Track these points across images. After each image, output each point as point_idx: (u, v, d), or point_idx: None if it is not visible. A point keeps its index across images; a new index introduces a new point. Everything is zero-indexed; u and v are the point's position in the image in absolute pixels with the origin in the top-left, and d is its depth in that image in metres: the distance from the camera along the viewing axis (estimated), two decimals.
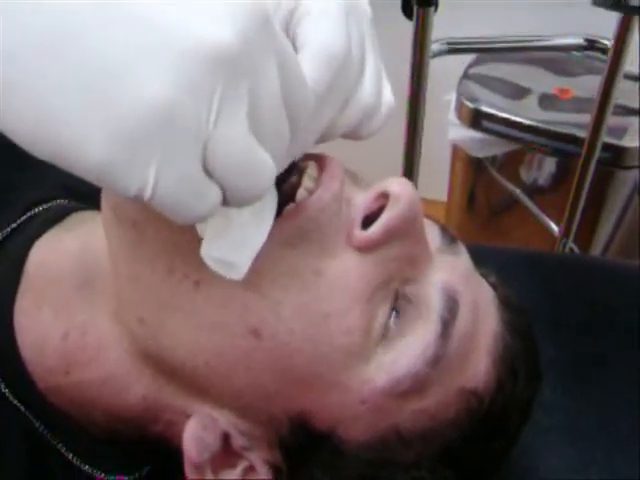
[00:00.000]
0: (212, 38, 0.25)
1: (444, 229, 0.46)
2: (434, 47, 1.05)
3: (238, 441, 0.41)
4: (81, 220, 0.48)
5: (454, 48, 1.17)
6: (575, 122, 1.31)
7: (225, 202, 0.28)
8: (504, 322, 0.45)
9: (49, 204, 0.50)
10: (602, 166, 1.18)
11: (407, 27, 0.89)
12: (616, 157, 1.29)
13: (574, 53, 1.45)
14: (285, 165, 0.32)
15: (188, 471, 0.41)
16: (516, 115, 1.36)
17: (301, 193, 0.38)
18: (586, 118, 1.10)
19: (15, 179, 0.50)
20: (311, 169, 0.39)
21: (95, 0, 0.24)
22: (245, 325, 0.37)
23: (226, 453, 0.42)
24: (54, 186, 0.51)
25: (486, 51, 1.41)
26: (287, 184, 0.37)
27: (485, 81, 1.45)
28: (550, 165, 1.45)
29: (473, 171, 1.60)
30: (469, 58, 1.50)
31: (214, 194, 0.27)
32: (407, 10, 0.87)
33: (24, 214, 0.48)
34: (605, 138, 1.09)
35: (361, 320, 0.38)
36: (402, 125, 0.98)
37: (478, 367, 0.43)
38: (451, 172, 1.66)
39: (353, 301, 0.38)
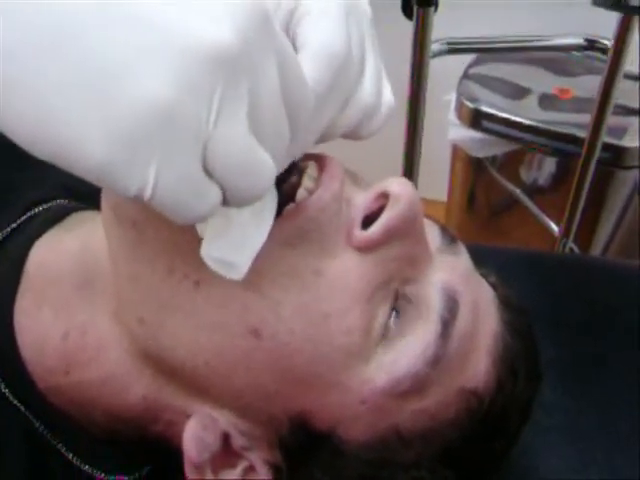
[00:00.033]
0: (212, 38, 0.25)
1: (444, 229, 0.46)
2: (434, 47, 1.05)
3: (238, 441, 0.41)
4: (81, 220, 0.48)
5: (454, 48, 1.17)
6: (575, 122, 1.31)
7: (225, 202, 0.28)
8: (504, 322, 0.45)
9: (49, 204, 0.50)
10: (602, 166, 1.18)
11: (407, 27, 0.89)
12: (616, 157, 1.29)
13: (574, 53, 1.45)
14: (285, 165, 0.32)
15: (188, 471, 0.41)
16: (516, 115, 1.36)
17: (301, 193, 0.38)
18: (586, 118, 1.10)
19: (15, 179, 0.50)
20: (311, 169, 0.39)
21: (95, 0, 0.24)
22: (245, 325, 0.37)
23: (226, 453, 0.42)
24: (54, 186, 0.51)
25: (486, 51, 1.41)
26: (287, 184, 0.37)
27: (485, 81, 1.45)
28: (550, 165, 1.45)
29: (473, 171, 1.60)
30: (469, 58, 1.50)
31: (214, 194, 0.27)
32: (407, 10, 0.87)
33: (24, 214, 0.48)
34: (605, 138, 1.09)
35: (361, 320, 0.38)
36: (402, 125, 0.98)
37: (478, 367, 0.43)
38: (451, 172, 1.66)
39: (353, 301, 0.38)
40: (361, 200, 0.40)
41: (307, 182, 0.38)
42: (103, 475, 0.45)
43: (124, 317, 0.41)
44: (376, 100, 0.36)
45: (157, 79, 0.24)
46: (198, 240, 0.33)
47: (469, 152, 1.49)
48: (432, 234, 0.44)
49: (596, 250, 1.49)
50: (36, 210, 0.49)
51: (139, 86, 0.24)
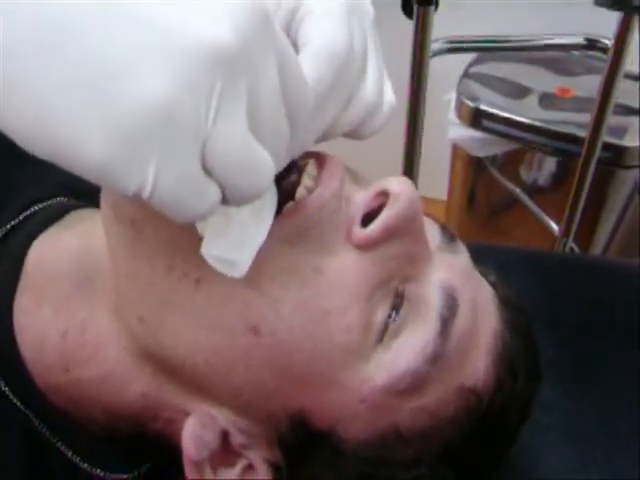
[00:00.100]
0: (212, 37, 0.25)
1: (444, 227, 0.46)
2: (434, 46, 1.05)
3: (237, 439, 0.42)
4: (80, 218, 0.48)
5: (454, 47, 1.17)
6: (575, 121, 1.31)
7: (224, 200, 0.28)
8: (504, 321, 0.45)
9: (49, 202, 0.50)
10: (602, 166, 1.18)
11: (407, 26, 0.88)
12: (616, 157, 1.29)
13: (574, 52, 1.45)
14: (285, 164, 0.32)
15: (187, 469, 0.41)
16: (516, 114, 1.36)
17: (301, 191, 0.38)
18: (586, 117, 1.10)
19: (15, 177, 0.50)
20: (311, 167, 0.39)
21: (95, 0, 0.24)
22: (245, 322, 0.37)
23: (225, 451, 0.42)
24: (54, 184, 0.51)
25: (486, 50, 1.41)
26: (287, 182, 0.37)
27: (485, 80, 1.45)
28: (550, 164, 1.45)
29: (473, 170, 1.60)
30: (469, 57, 1.50)
31: (213, 192, 0.27)
32: (407, 9, 0.87)
33: (24, 212, 0.48)
34: (605, 138, 1.09)
35: (360, 318, 0.38)
36: (402, 124, 0.98)
37: (477, 365, 0.43)
38: (451, 171, 1.66)
39: (352, 299, 0.38)
40: (361, 198, 0.40)
41: (307, 180, 0.38)
42: (102, 473, 0.45)
43: (124, 315, 0.41)
44: (378, 99, 0.36)
45: (157, 78, 0.24)
46: (198, 238, 0.33)
47: (469, 151, 1.49)
48: (432, 232, 0.44)
49: (596, 250, 1.49)
50: (35, 208, 0.49)
51: (139, 85, 0.24)
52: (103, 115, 0.24)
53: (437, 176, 1.54)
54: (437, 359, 0.40)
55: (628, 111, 1.29)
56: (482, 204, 1.65)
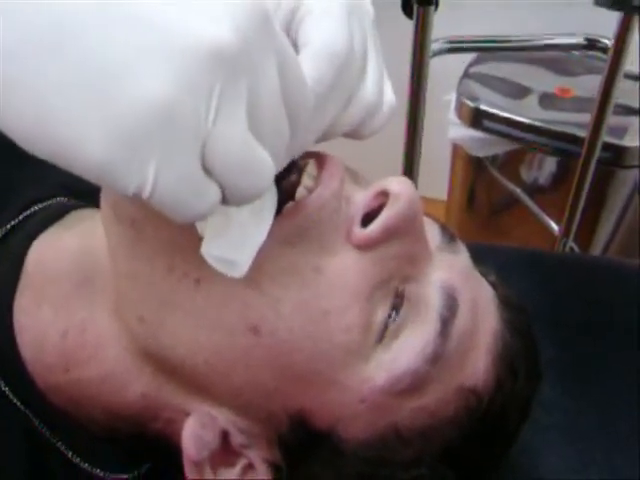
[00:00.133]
0: (212, 37, 0.25)
1: (444, 227, 0.46)
2: (434, 46, 1.05)
3: (237, 439, 0.42)
4: (80, 218, 0.48)
5: (454, 47, 1.17)
6: (575, 121, 1.31)
7: (224, 200, 0.28)
8: (504, 320, 0.45)
9: (49, 202, 0.50)
10: (602, 166, 1.18)
11: (407, 26, 0.88)
12: (616, 157, 1.29)
13: (574, 52, 1.45)
14: (285, 164, 0.32)
15: (187, 469, 0.41)
16: (516, 114, 1.36)
17: (301, 191, 0.38)
18: (586, 117, 1.10)
19: (15, 177, 0.50)
20: (311, 167, 0.39)
21: (95, 0, 0.24)
22: (245, 322, 0.37)
23: (225, 451, 0.42)
24: (54, 184, 0.51)
25: (486, 50, 1.41)
26: (287, 182, 0.37)
27: (485, 80, 1.45)
28: (550, 164, 1.45)
29: (473, 170, 1.60)
30: (469, 57, 1.50)
31: (213, 192, 0.27)
32: (407, 9, 0.87)
33: (24, 212, 0.48)
34: (605, 137, 1.09)
35: (360, 318, 0.38)
36: (402, 124, 0.98)
37: (477, 365, 0.43)
38: (451, 171, 1.66)
39: (352, 299, 0.38)
40: (361, 198, 0.40)
41: (307, 180, 0.38)
42: (102, 473, 0.45)
43: (124, 315, 0.41)
44: (378, 99, 0.36)
45: (157, 78, 0.24)
46: (198, 238, 0.33)
47: (469, 151, 1.49)
48: (432, 232, 0.44)
49: (596, 250, 1.49)
50: (35, 208, 0.49)
51: (139, 85, 0.24)
52: (103, 115, 0.24)
53: (437, 176, 1.54)
54: (437, 359, 0.40)
55: (628, 111, 1.29)
56: (482, 204, 1.65)
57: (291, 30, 0.34)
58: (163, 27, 0.25)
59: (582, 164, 1.12)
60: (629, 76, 1.24)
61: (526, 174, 1.49)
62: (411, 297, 0.41)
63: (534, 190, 1.49)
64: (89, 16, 0.24)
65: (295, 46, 0.33)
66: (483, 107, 1.38)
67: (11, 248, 0.46)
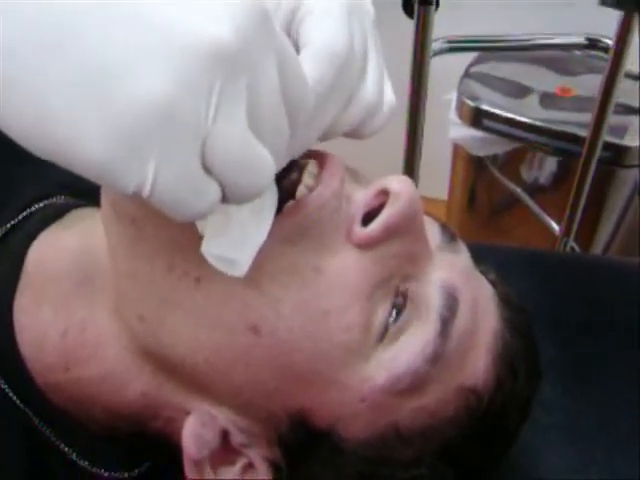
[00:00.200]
0: (211, 36, 0.25)
1: (444, 227, 0.46)
2: (435, 46, 1.05)
3: (237, 438, 0.42)
4: (81, 217, 0.48)
5: (455, 47, 1.17)
6: (576, 121, 1.31)
7: (224, 199, 0.28)
8: (504, 320, 0.45)
9: (48, 201, 0.50)
10: (603, 165, 1.18)
11: (408, 26, 0.88)
12: (617, 156, 1.29)
13: (575, 52, 1.45)
14: (285, 162, 0.32)
15: (187, 468, 0.41)
16: (517, 114, 1.36)
17: (301, 190, 0.38)
18: (587, 117, 1.10)
19: (14, 176, 0.50)
20: (311, 166, 0.39)
21: (95, 0, 0.24)
22: (245, 322, 0.37)
23: (225, 450, 0.42)
24: (53, 183, 0.51)
25: (487, 50, 1.41)
26: (287, 181, 0.37)
27: (486, 80, 1.45)
28: (551, 164, 1.45)
29: (474, 170, 1.60)
30: (470, 57, 1.50)
31: (213, 191, 0.27)
32: (408, 8, 0.87)
33: (23, 211, 0.48)
34: (606, 137, 1.09)
35: (360, 317, 0.38)
36: (403, 124, 0.98)
37: (477, 365, 0.43)
38: (452, 171, 1.66)
39: (353, 298, 0.38)
40: (361, 197, 0.40)
41: (307, 179, 0.38)
42: (102, 472, 0.45)
43: (124, 314, 0.41)
44: (378, 99, 0.36)
45: (157, 77, 0.24)
46: (198, 237, 0.33)
47: (470, 151, 1.49)
48: (432, 232, 0.44)
49: (597, 249, 1.49)
50: (35, 207, 0.49)
51: (139, 84, 0.24)
52: (103, 114, 0.24)
53: (438, 176, 1.54)
54: (437, 359, 0.40)
55: (628, 110, 1.29)
56: (483, 204, 1.65)
57: (291, 30, 0.34)
58: (163, 26, 0.25)
59: (583, 164, 1.12)
60: (629, 76, 1.24)
61: (527, 174, 1.49)
62: (412, 296, 0.41)
63: (535, 190, 1.49)
64: (89, 15, 0.24)
65: (295, 46, 0.33)
66: (484, 107, 1.39)
67: (11, 248, 0.46)
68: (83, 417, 0.44)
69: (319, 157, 0.40)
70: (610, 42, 1.02)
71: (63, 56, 0.24)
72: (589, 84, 1.33)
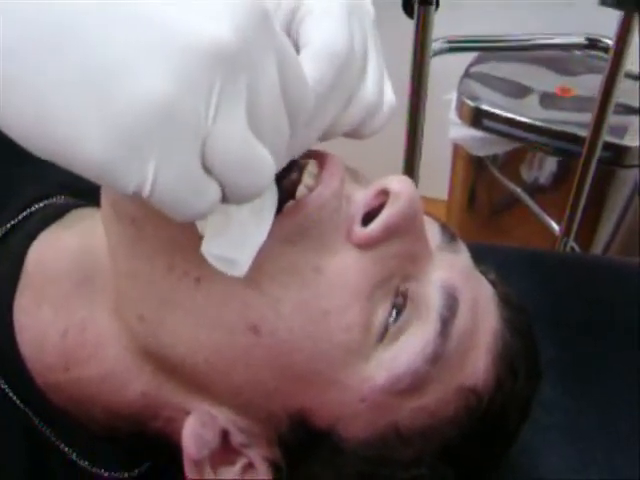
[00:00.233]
0: (211, 35, 0.25)
1: (444, 227, 0.46)
2: (435, 46, 1.05)
3: (237, 438, 0.41)
4: (81, 217, 0.48)
5: (455, 47, 1.17)
6: (576, 121, 1.31)
7: (224, 199, 0.28)
8: (504, 320, 0.45)
9: (49, 201, 0.50)
10: (603, 165, 1.18)
11: (408, 25, 0.88)
12: (617, 156, 1.29)
13: (575, 52, 1.45)
14: (285, 162, 0.32)
15: (187, 468, 0.41)
16: (517, 114, 1.36)
17: (301, 190, 0.38)
18: (587, 117, 1.10)
19: (14, 176, 0.50)
20: (311, 166, 0.39)
21: (95, 0, 0.24)
22: (245, 322, 0.37)
23: (225, 450, 0.42)
24: (53, 183, 0.51)
25: (487, 50, 1.41)
26: (287, 181, 0.37)
27: (486, 80, 1.45)
28: (551, 164, 1.45)
29: (474, 170, 1.60)
30: (470, 57, 1.50)
31: (213, 191, 0.27)
32: (408, 8, 0.87)
33: (23, 211, 0.48)
34: (606, 137, 1.09)
35: (360, 317, 0.38)
36: (403, 124, 0.98)
37: (477, 365, 0.43)
38: (452, 171, 1.66)
39: (353, 298, 0.38)
40: (361, 197, 0.40)
41: (307, 179, 0.38)
42: (102, 472, 0.45)
43: (124, 314, 0.41)
44: (378, 99, 0.36)
45: (156, 77, 0.24)
46: (198, 237, 0.33)
47: (470, 151, 1.49)
48: (432, 232, 0.44)
49: (597, 249, 1.49)
50: (35, 207, 0.49)
51: (138, 84, 0.24)
52: (103, 114, 0.24)
53: (438, 176, 1.54)
54: (437, 359, 0.40)
55: (628, 110, 1.29)
56: (483, 204, 1.65)
57: (291, 30, 0.34)
58: (163, 26, 0.25)
59: (583, 164, 1.12)
60: (629, 75, 1.24)
61: (527, 174, 1.49)
62: (412, 297, 0.41)
63: (535, 190, 1.49)
64: (89, 15, 0.24)
65: (295, 46, 0.33)
66: (484, 107, 1.39)
67: (11, 248, 0.46)
68: (83, 417, 0.44)
69: (319, 157, 0.40)
70: (610, 42, 1.02)
71: (63, 56, 0.24)
72: (589, 84, 1.33)
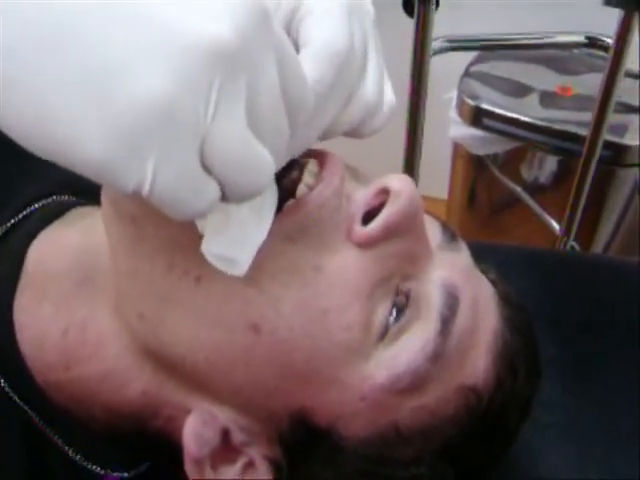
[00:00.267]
0: (211, 34, 0.25)
1: (445, 226, 0.46)
2: (435, 45, 1.05)
3: (238, 437, 0.42)
4: (81, 216, 0.48)
5: (455, 46, 1.17)
6: (576, 120, 1.31)
7: (224, 198, 0.28)
8: (504, 319, 0.45)
9: (49, 200, 0.50)
10: (603, 164, 1.18)
11: (408, 25, 0.88)
12: (617, 155, 1.29)
13: (575, 51, 1.45)
14: (285, 161, 0.32)
15: (188, 467, 0.41)
16: (517, 113, 1.36)
17: (301, 189, 0.38)
18: (587, 116, 1.10)
19: (14, 175, 0.50)
20: (312, 165, 0.39)
21: (95, 0, 0.24)
22: (245, 321, 0.37)
23: (226, 449, 0.42)
24: (54, 182, 0.51)
25: (487, 49, 1.41)
26: (287, 179, 0.37)
27: (486, 79, 1.45)
28: (551, 163, 1.45)
29: (474, 169, 1.60)
30: (470, 56, 1.50)
31: (212, 190, 0.27)
32: (408, 7, 0.87)
33: (24, 210, 0.48)
34: (606, 136, 1.09)
35: (360, 316, 0.38)
36: (403, 123, 0.98)
37: (477, 364, 0.43)
38: (452, 170, 1.66)
39: (353, 297, 0.38)
40: (361, 196, 0.40)
41: (307, 178, 0.38)
42: (103, 471, 0.45)
43: (124, 313, 0.41)
44: (378, 98, 0.36)
45: (156, 76, 0.24)
46: (198, 236, 0.33)
47: (470, 150, 1.49)
48: (433, 231, 0.44)
49: (597, 248, 1.49)
50: (36, 206, 0.49)
51: (138, 83, 0.24)
52: (103, 113, 0.24)
53: (438, 175, 1.54)
54: (437, 358, 0.40)
55: (628, 109, 1.29)
56: (483, 203, 1.65)
57: (291, 30, 0.34)
58: (163, 25, 0.25)
59: (583, 163, 1.12)
60: (629, 74, 1.24)
61: (527, 173, 1.49)
62: (412, 295, 0.41)
63: (535, 189, 1.49)
64: (89, 15, 0.24)
65: (295, 46, 0.33)
66: (484, 106, 1.39)
67: (11, 247, 0.46)
68: (83, 416, 0.44)
69: (319, 156, 0.40)
70: (610, 41, 1.02)
71: (63, 56, 0.24)
72: (589, 83, 1.33)
